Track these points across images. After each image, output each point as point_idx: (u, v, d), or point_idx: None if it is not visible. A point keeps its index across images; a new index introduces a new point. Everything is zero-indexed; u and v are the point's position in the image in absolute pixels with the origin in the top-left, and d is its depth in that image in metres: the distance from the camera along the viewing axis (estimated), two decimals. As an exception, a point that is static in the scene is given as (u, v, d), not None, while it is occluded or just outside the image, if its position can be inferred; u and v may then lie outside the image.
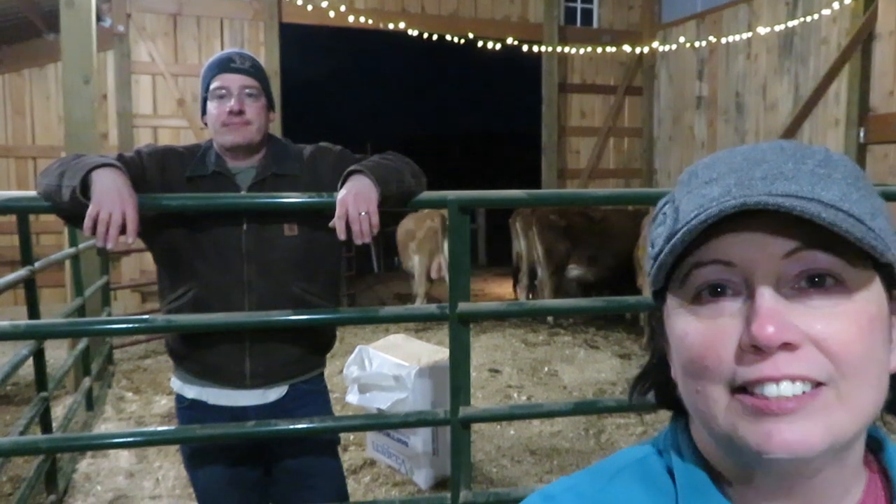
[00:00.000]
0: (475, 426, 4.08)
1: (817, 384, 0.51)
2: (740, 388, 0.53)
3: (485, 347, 6.28)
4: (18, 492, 2.93)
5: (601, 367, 5.74)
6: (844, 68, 6.98)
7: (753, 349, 0.51)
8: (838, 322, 0.52)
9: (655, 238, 0.59)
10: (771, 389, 0.51)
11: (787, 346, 0.51)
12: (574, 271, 7.28)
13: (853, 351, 0.51)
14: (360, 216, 1.75)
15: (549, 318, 7.23)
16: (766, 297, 0.52)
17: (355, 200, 1.75)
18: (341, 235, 1.77)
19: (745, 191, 0.52)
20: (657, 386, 0.68)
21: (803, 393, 0.51)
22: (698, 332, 0.55)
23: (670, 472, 0.61)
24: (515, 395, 5.08)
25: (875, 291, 0.54)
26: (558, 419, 4.38)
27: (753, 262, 0.53)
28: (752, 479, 0.57)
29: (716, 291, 0.55)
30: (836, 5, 6.89)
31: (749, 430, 0.52)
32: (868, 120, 6.85)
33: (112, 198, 1.64)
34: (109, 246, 1.65)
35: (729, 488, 0.58)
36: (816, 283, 0.53)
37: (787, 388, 0.51)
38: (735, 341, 0.53)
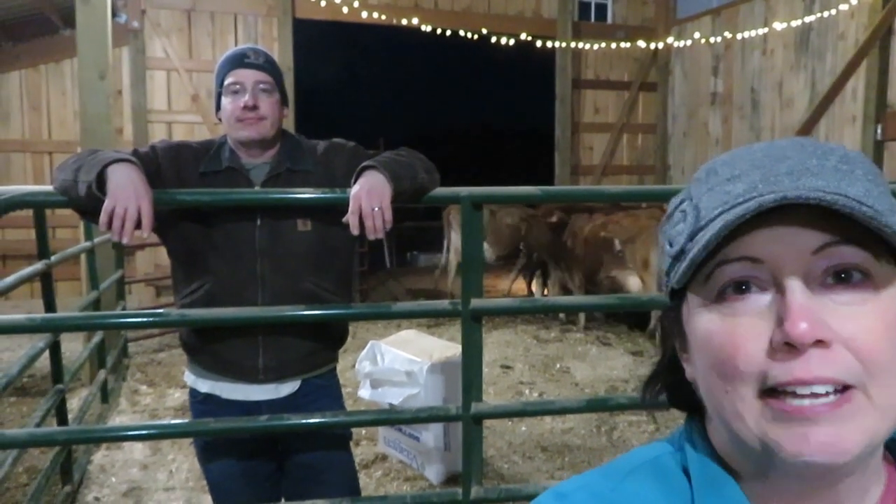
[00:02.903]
0: (487, 422, 4.07)
1: (846, 387, 0.51)
2: (770, 391, 0.52)
3: (497, 344, 6.27)
4: (35, 482, 2.96)
5: (613, 364, 5.73)
6: (862, 64, 6.90)
7: (786, 347, 0.51)
8: (866, 320, 0.51)
9: (675, 237, 0.59)
10: (803, 390, 0.51)
11: (820, 343, 0.50)
12: None
13: (882, 349, 0.51)
14: (373, 211, 1.75)
15: (561, 315, 7.22)
16: (798, 293, 0.52)
17: (368, 196, 1.76)
18: (354, 231, 1.77)
19: (773, 186, 0.52)
20: (669, 387, 0.67)
21: (835, 392, 0.51)
22: (725, 331, 0.54)
23: (685, 471, 0.60)
24: (527, 391, 5.08)
25: None
26: (570, 416, 4.37)
27: (782, 258, 0.53)
28: (771, 479, 0.56)
29: (740, 289, 0.54)
30: (853, 0, 6.81)
31: (782, 433, 0.51)
32: (886, 117, 6.78)
33: (127, 192, 1.65)
34: (125, 240, 1.66)
35: (746, 488, 0.58)
36: (843, 278, 0.52)
37: (819, 388, 0.51)
38: (765, 340, 0.52)
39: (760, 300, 0.54)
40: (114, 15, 6.66)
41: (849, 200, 0.50)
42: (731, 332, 0.54)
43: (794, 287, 0.52)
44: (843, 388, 0.51)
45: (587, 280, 6.70)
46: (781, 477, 0.55)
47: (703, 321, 0.56)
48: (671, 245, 0.59)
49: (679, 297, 0.61)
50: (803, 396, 0.51)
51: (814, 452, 0.50)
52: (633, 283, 6.26)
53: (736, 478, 0.59)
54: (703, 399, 0.59)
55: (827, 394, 0.51)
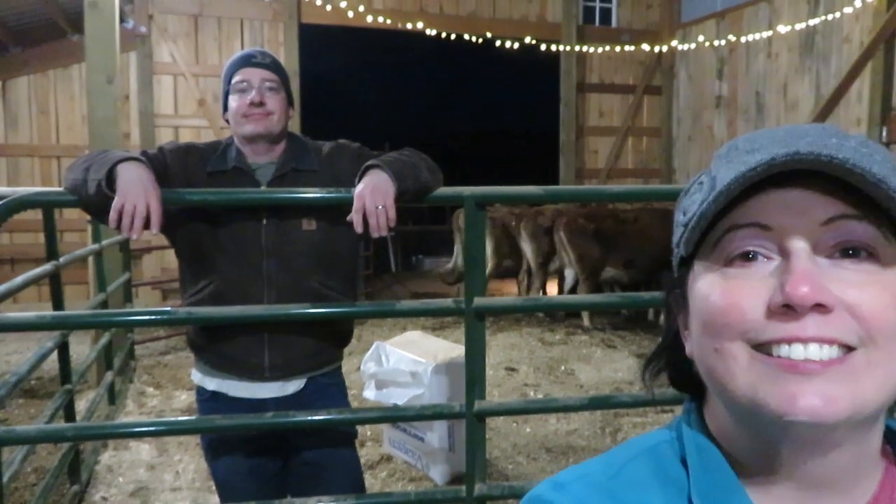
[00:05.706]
0: (492, 423, 4.09)
1: (847, 349, 0.50)
2: (762, 347, 0.52)
3: (502, 346, 6.28)
4: (43, 482, 2.99)
5: (618, 366, 5.72)
6: (867, 67, 6.90)
7: (784, 309, 0.50)
8: (872, 289, 0.51)
9: (689, 206, 0.58)
10: (797, 351, 0.50)
11: (820, 308, 0.50)
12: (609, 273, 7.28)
13: (886, 318, 0.51)
14: (377, 210, 1.77)
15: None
16: (803, 258, 0.52)
17: (372, 194, 1.78)
18: (358, 229, 1.80)
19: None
20: (671, 365, 0.67)
21: (830, 358, 0.50)
22: (723, 290, 0.54)
23: (683, 461, 0.60)
24: (532, 393, 5.08)
25: None
26: (574, 417, 4.38)
27: (791, 226, 0.53)
28: (767, 460, 0.56)
29: (747, 257, 0.54)
30: (858, 3, 6.81)
31: (771, 391, 0.51)
32: (891, 119, 6.77)
33: (137, 190, 1.68)
34: (134, 237, 1.69)
35: (742, 473, 0.58)
36: (850, 254, 0.53)
37: (814, 352, 0.50)
38: (763, 301, 0.52)
39: (766, 267, 0.54)
40: (121, 20, 6.72)
41: (862, 168, 0.50)
42: (729, 291, 0.54)
43: (800, 253, 0.52)
44: (845, 351, 0.50)
45: None
46: (772, 454, 0.55)
47: (705, 283, 0.57)
48: (684, 214, 0.59)
49: (686, 269, 0.61)
50: (797, 358, 0.50)
51: (800, 411, 0.50)
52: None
53: (731, 463, 0.59)
54: (699, 370, 0.59)
55: (821, 360, 0.50)
